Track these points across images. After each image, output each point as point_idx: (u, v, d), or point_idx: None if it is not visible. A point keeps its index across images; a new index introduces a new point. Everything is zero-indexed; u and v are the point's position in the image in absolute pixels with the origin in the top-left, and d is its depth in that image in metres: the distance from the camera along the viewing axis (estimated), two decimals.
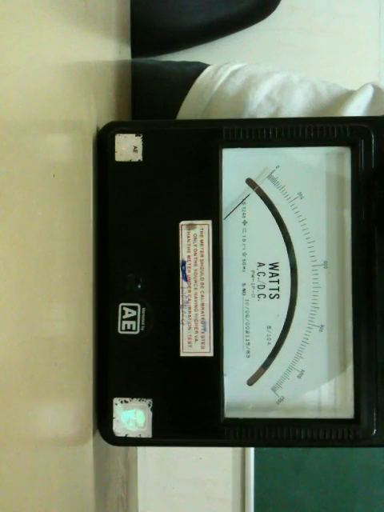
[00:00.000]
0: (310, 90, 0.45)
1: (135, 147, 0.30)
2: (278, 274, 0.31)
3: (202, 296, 0.30)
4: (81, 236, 0.29)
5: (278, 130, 0.30)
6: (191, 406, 0.31)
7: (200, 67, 0.48)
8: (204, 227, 0.30)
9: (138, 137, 0.30)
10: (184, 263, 0.30)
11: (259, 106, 0.44)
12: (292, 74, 0.46)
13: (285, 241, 0.31)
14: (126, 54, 0.46)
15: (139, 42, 0.53)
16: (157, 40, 0.68)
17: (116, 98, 0.39)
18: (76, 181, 0.28)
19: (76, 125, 0.27)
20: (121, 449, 0.44)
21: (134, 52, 0.52)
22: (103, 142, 0.31)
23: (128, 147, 0.30)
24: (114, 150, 0.30)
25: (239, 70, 0.47)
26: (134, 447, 0.55)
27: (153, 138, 0.30)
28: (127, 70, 0.48)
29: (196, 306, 0.30)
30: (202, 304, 0.30)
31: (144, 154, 0.30)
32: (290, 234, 0.31)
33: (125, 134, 0.30)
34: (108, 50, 0.36)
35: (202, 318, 0.30)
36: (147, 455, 0.77)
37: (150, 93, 0.50)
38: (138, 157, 0.31)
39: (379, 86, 0.44)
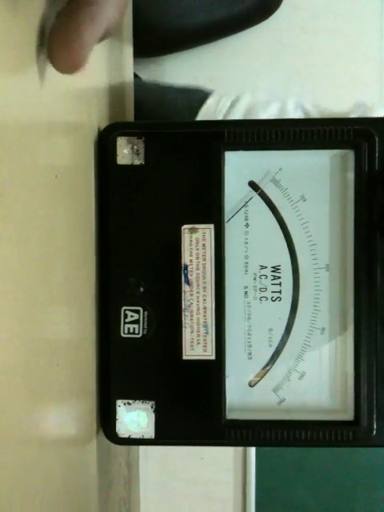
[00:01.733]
0: (303, 116, 0.49)
1: (137, 150, 0.30)
2: (279, 277, 0.31)
3: (204, 299, 0.30)
4: (82, 236, 0.29)
5: (281, 132, 0.30)
6: (193, 408, 0.31)
7: (204, 95, 0.53)
8: (206, 231, 0.30)
9: (139, 140, 0.30)
10: (186, 267, 0.30)
11: None
12: (288, 100, 0.50)
13: (287, 243, 0.31)
14: (128, 54, 0.46)
15: (140, 42, 0.54)
16: (158, 40, 0.68)
17: (118, 98, 0.39)
18: (78, 181, 0.28)
19: (78, 124, 0.27)
20: (123, 449, 0.44)
21: (136, 52, 0.52)
22: (104, 144, 0.31)
23: (130, 150, 0.30)
24: (115, 153, 0.30)
25: (238, 102, 0.50)
26: (137, 448, 0.55)
27: (154, 140, 0.30)
28: (129, 71, 0.48)
29: (198, 309, 0.30)
30: (204, 308, 0.30)
31: (146, 157, 0.30)
32: (293, 237, 0.31)
33: (126, 137, 0.30)
34: (110, 50, 0.36)
35: (204, 322, 0.31)
36: (149, 456, 0.77)
37: (155, 117, 0.52)
38: (139, 160, 0.30)
39: (366, 104, 0.47)
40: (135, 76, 0.53)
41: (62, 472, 0.25)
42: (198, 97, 0.53)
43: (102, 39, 0.21)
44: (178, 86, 0.58)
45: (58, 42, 0.19)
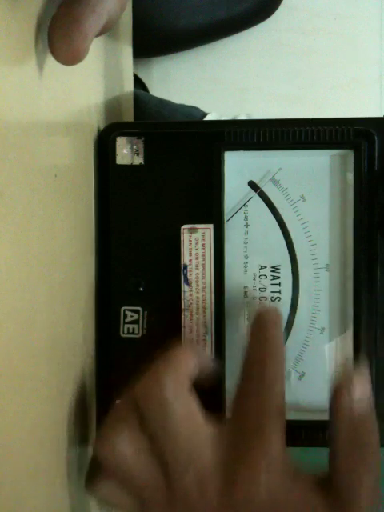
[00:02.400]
0: None
1: (137, 150, 0.30)
2: (279, 277, 0.31)
3: (204, 300, 0.30)
4: (82, 236, 0.29)
5: (281, 132, 0.30)
6: None
7: (201, 114, 0.55)
8: (206, 231, 0.30)
9: (139, 140, 0.30)
10: (185, 267, 0.31)
11: None
12: None
13: (287, 244, 0.31)
14: (128, 54, 0.46)
15: (140, 42, 0.54)
16: (157, 40, 0.68)
17: (118, 98, 0.39)
18: (78, 181, 0.28)
19: (78, 124, 0.27)
20: None
21: (136, 52, 0.52)
22: (104, 144, 0.31)
23: (129, 150, 0.30)
24: (115, 153, 0.30)
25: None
26: None
27: (154, 140, 0.30)
28: (129, 71, 0.48)
29: (198, 309, 0.31)
30: (204, 308, 0.31)
31: (145, 157, 0.30)
32: (292, 237, 0.31)
33: (126, 137, 0.30)
34: (110, 50, 0.36)
35: (204, 322, 0.31)
36: None
37: None
38: (139, 160, 0.31)
39: None
40: (135, 76, 0.53)
41: (61, 472, 0.25)
42: (196, 115, 0.54)
43: (102, 31, 0.21)
44: (177, 104, 0.59)
45: (58, 34, 0.19)
